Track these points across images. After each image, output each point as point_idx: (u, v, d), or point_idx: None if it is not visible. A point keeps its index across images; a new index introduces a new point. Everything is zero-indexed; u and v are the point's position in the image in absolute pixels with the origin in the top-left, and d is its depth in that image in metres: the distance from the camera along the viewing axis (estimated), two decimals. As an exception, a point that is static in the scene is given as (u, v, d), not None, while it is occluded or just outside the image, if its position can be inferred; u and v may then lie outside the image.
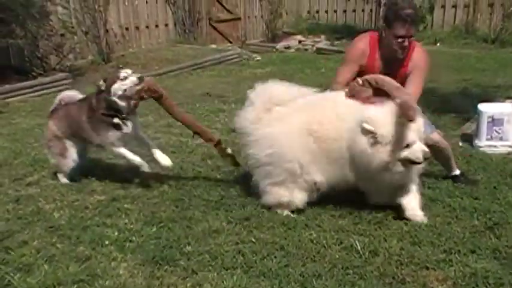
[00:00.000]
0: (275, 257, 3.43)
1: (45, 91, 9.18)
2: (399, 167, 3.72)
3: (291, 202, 4.04)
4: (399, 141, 3.64)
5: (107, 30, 11.30)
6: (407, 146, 3.66)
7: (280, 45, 14.39)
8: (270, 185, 4.04)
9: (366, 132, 3.64)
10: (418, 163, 3.75)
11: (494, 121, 5.35)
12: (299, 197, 4.03)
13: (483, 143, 5.40)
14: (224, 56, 12.23)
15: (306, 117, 3.94)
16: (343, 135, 3.80)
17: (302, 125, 3.92)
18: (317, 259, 3.40)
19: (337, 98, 4.03)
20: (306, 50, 14.24)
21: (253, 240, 3.66)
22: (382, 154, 3.65)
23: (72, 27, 10.78)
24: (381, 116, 3.65)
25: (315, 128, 3.88)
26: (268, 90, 4.13)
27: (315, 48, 14.12)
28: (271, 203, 4.10)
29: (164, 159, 4.66)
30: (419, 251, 3.45)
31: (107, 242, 3.71)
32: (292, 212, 4.08)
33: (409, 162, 3.72)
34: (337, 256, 3.42)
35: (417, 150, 3.68)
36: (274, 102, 4.07)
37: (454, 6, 13.94)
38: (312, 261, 3.37)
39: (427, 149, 3.72)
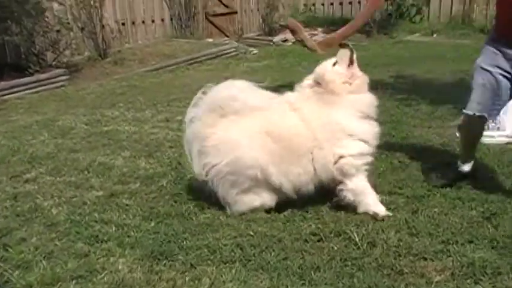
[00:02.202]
0: (273, 250, 3.43)
1: (42, 88, 9.20)
2: None
3: (264, 204, 3.98)
4: None
5: (103, 26, 11.25)
6: None
7: (277, 39, 14.35)
8: (238, 194, 3.96)
9: None
10: None
11: (491, 111, 5.34)
12: (269, 197, 3.97)
13: (480, 133, 5.39)
14: (221, 50, 12.20)
15: (263, 118, 3.90)
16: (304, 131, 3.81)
17: (259, 127, 3.86)
18: (315, 251, 3.40)
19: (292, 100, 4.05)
20: (303, 43, 14.20)
21: (252, 233, 3.66)
22: None
23: (68, 23, 10.74)
24: None
25: (272, 127, 3.84)
26: (219, 97, 4.00)
27: (312, 41, 14.09)
28: (245, 210, 3.99)
29: None
30: (417, 241, 3.45)
31: (105, 238, 3.71)
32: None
33: None
34: (335, 248, 3.43)
35: None
36: (227, 111, 3.94)
37: (451, -3, 13.92)
38: (310, 254, 3.38)
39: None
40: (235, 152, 3.86)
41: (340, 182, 3.88)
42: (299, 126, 3.86)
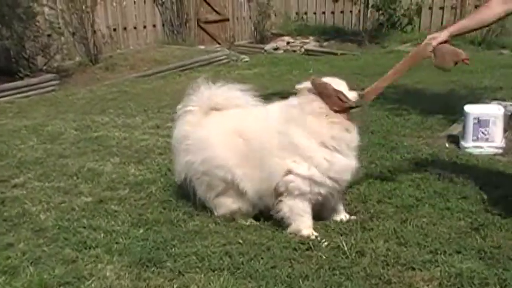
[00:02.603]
0: (262, 258, 3.42)
1: (32, 92, 9.18)
2: None
3: (242, 207, 3.96)
4: None
5: (94, 31, 11.26)
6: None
7: (268, 47, 14.42)
8: (215, 198, 3.98)
9: None
10: None
11: (481, 122, 5.38)
12: (245, 203, 3.93)
13: (469, 144, 5.42)
14: (212, 57, 12.23)
15: (237, 120, 3.90)
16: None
17: (232, 128, 3.85)
18: (304, 260, 3.40)
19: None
20: (294, 51, 14.28)
21: (241, 241, 3.65)
22: None
23: (59, 28, 10.73)
24: None
25: (243, 129, 3.82)
26: (208, 93, 4.06)
27: (303, 50, 14.17)
28: (225, 214, 4.00)
29: None
30: (405, 251, 3.46)
31: (93, 244, 3.69)
32: (210, 213, 4.06)
33: None
34: (324, 257, 3.42)
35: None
36: (213, 106, 4.02)
37: (442, 8, 14.03)
38: (298, 262, 3.37)
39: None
40: (208, 151, 3.87)
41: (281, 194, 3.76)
42: (269, 129, 3.77)
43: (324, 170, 3.63)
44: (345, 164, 3.71)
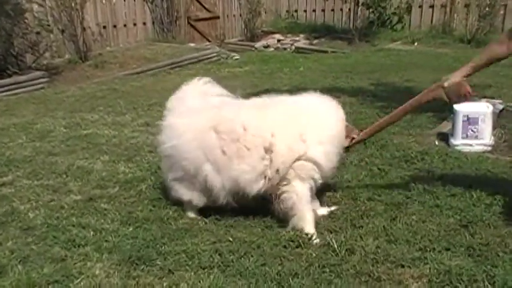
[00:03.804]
0: (252, 255, 3.42)
1: (21, 90, 9.10)
2: None
3: (192, 199, 4.01)
4: None
5: (84, 29, 11.20)
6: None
7: (259, 44, 14.42)
8: (173, 180, 4.03)
9: None
10: None
11: (470, 120, 5.42)
12: (196, 197, 3.99)
13: (459, 141, 5.45)
14: (202, 54, 12.20)
15: (214, 114, 3.90)
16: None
17: (207, 121, 3.85)
18: (294, 258, 3.41)
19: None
20: (285, 49, 14.30)
21: (230, 239, 3.65)
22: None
23: (48, 25, 10.67)
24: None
25: (218, 122, 3.81)
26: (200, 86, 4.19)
27: (293, 47, 14.18)
28: (176, 199, 4.12)
29: None
30: (395, 249, 3.47)
31: (82, 243, 3.68)
32: (200, 211, 4.09)
33: None
34: (313, 255, 3.43)
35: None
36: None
37: (432, 7, 14.08)
38: (288, 260, 3.38)
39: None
40: (178, 140, 3.89)
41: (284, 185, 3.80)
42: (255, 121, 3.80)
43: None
44: None
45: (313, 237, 3.65)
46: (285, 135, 3.71)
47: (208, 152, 3.79)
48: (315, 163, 3.72)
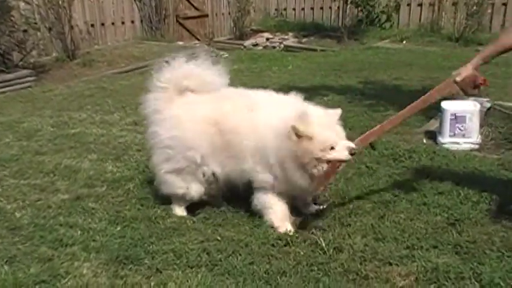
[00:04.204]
0: (240, 254, 3.43)
1: (7, 88, 9.02)
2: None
3: (187, 194, 4.01)
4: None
5: (71, 27, 11.12)
6: (332, 147, 3.52)
7: (247, 43, 14.40)
8: (168, 172, 3.99)
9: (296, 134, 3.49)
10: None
11: (457, 118, 5.44)
12: (195, 189, 3.99)
13: (446, 139, 5.48)
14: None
15: (214, 107, 3.89)
16: (249, 129, 3.73)
17: (208, 114, 3.86)
18: (282, 256, 3.41)
19: (251, 93, 4.01)
20: (274, 47, 14.29)
21: (219, 238, 3.65)
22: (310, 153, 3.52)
23: (35, 23, 10.57)
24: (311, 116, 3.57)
25: (218, 119, 3.82)
26: (182, 71, 4.07)
27: (282, 46, 14.19)
28: (168, 193, 4.09)
29: None
30: (382, 247, 3.49)
31: (70, 242, 3.66)
32: (188, 210, 4.11)
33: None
34: (301, 253, 3.44)
35: (342, 148, 3.53)
36: (187, 86, 4.03)
37: (420, 5, 14.14)
38: (276, 259, 3.38)
39: (351, 144, 3.60)
40: (180, 131, 3.87)
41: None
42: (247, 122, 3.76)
43: None
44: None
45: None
46: None
47: (211, 143, 3.82)
48: None
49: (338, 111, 3.72)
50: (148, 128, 4.15)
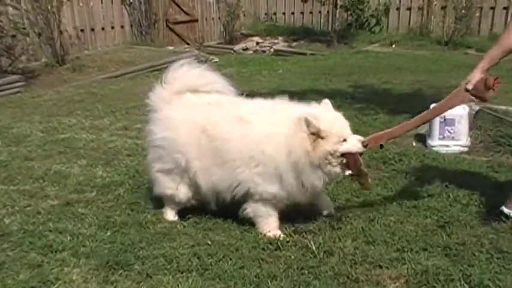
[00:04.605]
0: (231, 258, 3.42)
1: (-4, 94, 8.97)
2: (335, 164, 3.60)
3: (175, 195, 4.00)
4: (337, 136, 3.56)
5: (61, 32, 11.09)
6: (344, 140, 3.57)
7: (238, 47, 14.42)
8: (160, 171, 4.00)
9: (309, 127, 3.49)
10: (360, 153, 3.66)
11: (447, 121, 5.46)
12: (183, 191, 3.98)
13: (436, 142, 5.51)
14: (181, 58, 12.09)
15: (206, 113, 3.88)
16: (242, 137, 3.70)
17: (200, 119, 3.85)
18: (272, 260, 3.41)
19: (246, 102, 3.99)
20: (264, 51, 14.31)
21: (209, 242, 3.64)
22: (324, 148, 3.53)
23: (24, 29, 10.53)
24: (317, 113, 3.61)
25: (208, 127, 3.80)
26: (185, 72, 4.09)
27: (272, 50, 14.21)
28: (158, 193, 4.10)
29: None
30: (373, 250, 3.49)
31: (59, 248, 3.64)
32: (179, 214, 4.09)
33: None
34: (292, 257, 3.44)
35: (354, 141, 3.60)
36: (188, 87, 4.04)
37: (409, 9, 14.21)
38: (267, 263, 3.38)
39: (361, 138, 3.65)
40: (171, 132, 3.87)
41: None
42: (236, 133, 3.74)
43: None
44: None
45: None
46: None
47: (198, 151, 3.80)
48: None
49: (326, 101, 3.77)
50: (147, 125, 4.17)
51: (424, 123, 4.21)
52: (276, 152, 3.57)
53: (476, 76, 3.68)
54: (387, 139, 4.01)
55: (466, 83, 3.72)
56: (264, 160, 3.60)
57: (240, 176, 3.70)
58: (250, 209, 3.79)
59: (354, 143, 3.57)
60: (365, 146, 3.60)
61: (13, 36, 10.24)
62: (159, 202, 4.21)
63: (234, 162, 3.69)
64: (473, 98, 3.77)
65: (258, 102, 3.95)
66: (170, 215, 4.11)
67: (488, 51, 3.74)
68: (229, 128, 3.73)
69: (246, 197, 3.77)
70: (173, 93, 4.02)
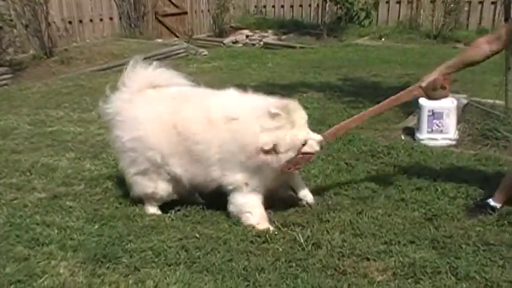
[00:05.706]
0: (219, 251, 3.42)
1: (-17, 86, 8.90)
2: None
3: (156, 193, 4.00)
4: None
5: (48, 24, 10.99)
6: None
7: (227, 40, 14.38)
8: (135, 174, 3.99)
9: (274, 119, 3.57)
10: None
11: (435, 115, 5.49)
12: (163, 188, 3.98)
13: (424, 135, 5.53)
14: (170, 50, 12.10)
15: (174, 108, 3.86)
16: (214, 137, 3.72)
17: (168, 115, 3.83)
18: (260, 253, 3.41)
19: (214, 98, 3.94)
20: (254, 44, 14.29)
21: (197, 235, 3.63)
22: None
23: (11, 20, 10.43)
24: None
25: (179, 123, 3.80)
26: (143, 71, 4.08)
27: (262, 43, 14.18)
28: (139, 195, 4.08)
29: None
30: (360, 242, 3.50)
31: (46, 241, 3.62)
32: (162, 208, 4.10)
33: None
34: (280, 249, 3.44)
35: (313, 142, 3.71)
36: (148, 84, 4.03)
37: (398, 2, 14.21)
38: (255, 255, 3.38)
39: (321, 138, 3.78)
40: (140, 131, 3.85)
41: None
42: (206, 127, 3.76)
43: None
44: None
45: None
46: None
47: (171, 146, 3.80)
48: None
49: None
50: (110, 132, 4.14)
51: (381, 113, 4.48)
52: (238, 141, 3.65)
53: (432, 76, 3.95)
54: (346, 130, 4.36)
55: (422, 81, 3.99)
56: (227, 151, 3.69)
57: (214, 173, 3.76)
58: (232, 206, 3.83)
59: (311, 146, 3.71)
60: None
61: (0, 28, 10.13)
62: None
63: (207, 161, 3.75)
64: (423, 94, 4.07)
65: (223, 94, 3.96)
66: (152, 210, 4.09)
67: (451, 60, 3.99)
68: (199, 128, 3.75)
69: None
70: (133, 92, 4.00)
